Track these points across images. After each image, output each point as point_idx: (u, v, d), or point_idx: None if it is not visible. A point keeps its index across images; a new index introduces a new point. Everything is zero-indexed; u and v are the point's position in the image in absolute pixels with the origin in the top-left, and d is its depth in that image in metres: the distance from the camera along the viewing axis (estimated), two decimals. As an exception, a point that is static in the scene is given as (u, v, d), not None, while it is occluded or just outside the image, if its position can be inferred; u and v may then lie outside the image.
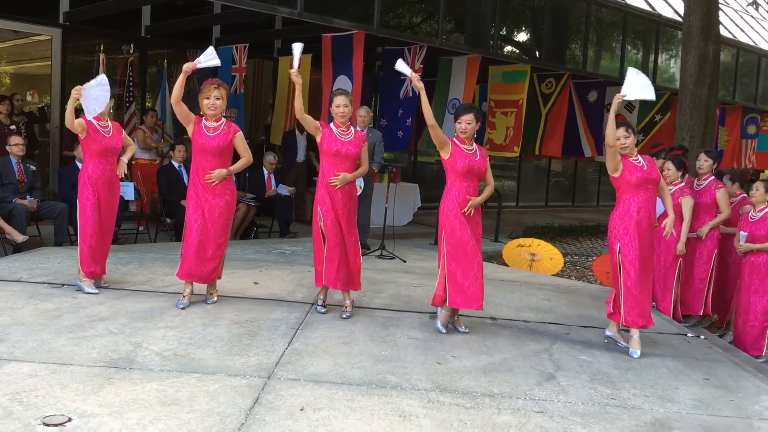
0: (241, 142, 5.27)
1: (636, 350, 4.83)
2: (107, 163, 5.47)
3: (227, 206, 5.24)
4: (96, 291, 5.40)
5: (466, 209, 4.87)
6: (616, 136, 4.86)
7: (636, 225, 4.85)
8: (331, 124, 5.24)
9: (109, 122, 5.52)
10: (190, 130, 5.17)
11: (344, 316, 5.21)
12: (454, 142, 4.96)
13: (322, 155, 5.23)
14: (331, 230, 5.15)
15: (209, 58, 5.18)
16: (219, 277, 5.39)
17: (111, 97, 5.53)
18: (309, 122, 5.13)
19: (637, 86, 4.91)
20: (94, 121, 5.40)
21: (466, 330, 5.06)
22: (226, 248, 5.33)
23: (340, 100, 5.19)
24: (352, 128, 5.29)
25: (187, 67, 5.05)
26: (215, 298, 5.36)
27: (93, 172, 5.42)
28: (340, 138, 5.18)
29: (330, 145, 5.15)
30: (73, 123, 5.28)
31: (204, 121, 5.17)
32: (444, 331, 5.00)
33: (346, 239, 5.19)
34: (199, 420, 3.25)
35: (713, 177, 6.51)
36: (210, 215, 5.16)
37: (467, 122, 4.92)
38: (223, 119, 5.23)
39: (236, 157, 5.36)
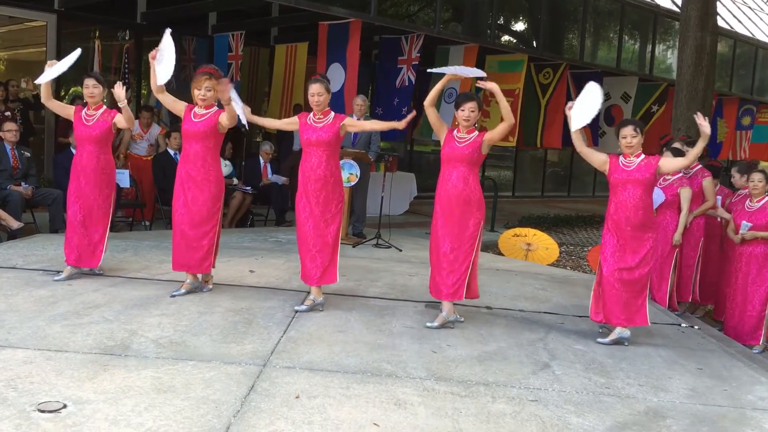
0: (224, 116, 5.02)
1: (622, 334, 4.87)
2: (84, 151, 5.36)
3: (211, 196, 5.08)
4: (61, 277, 5.33)
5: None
6: (623, 135, 4.82)
7: (614, 224, 4.86)
8: (311, 113, 5.10)
9: (98, 111, 5.38)
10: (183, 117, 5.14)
11: (299, 308, 4.99)
12: (450, 130, 4.93)
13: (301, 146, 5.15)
14: (302, 220, 5.03)
15: (167, 44, 5.06)
16: (213, 266, 5.30)
17: (104, 87, 5.44)
18: (288, 124, 5.12)
19: (590, 103, 4.87)
20: (84, 111, 5.36)
21: (461, 319, 5.06)
22: (215, 237, 5.18)
23: (314, 88, 4.98)
24: (331, 114, 5.05)
25: (151, 54, 5.04)
26: (210, 286, 5.32)
27: (75, 159, 5.42)
28: (313, 125, 5.02)
29: (302, 134, 5.05)
30: (48, 99, 5.31)
31: (195, 108, 5.09)
32: (435, 325, 4.88)
33: (321, 230, 5.00)
34: (195, 407, 3.25)
35: (700, 165, 6.54)
36: (194, 203, 5.06)
37: (470, 110, 4.83)
38: (216, 107, 5.09)
39: (225, 144, 5.28)
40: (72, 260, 5.41)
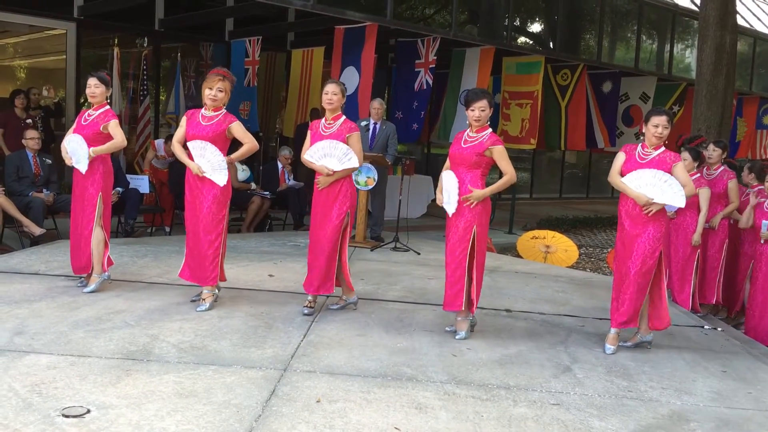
0: (239, 130, 4.98)
1: (608, 346, 4.70)
2: None
3: (216, 202, 4.93)
4: (79, 285, 5.32)
5: (465, 197, 4.59)
6: (654, 123, 4.57)
7: (620, 225, 4.75)
8: (322, 119, 5.07)
9: (97, 112, 5.24)
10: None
11: (305, 312, 4.98)
12: (463, 132, 4.79)
13: None
14: (311, 227, 5.03)
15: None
16: (221, 279, 5.12)
17: (108, 87, 5.31)
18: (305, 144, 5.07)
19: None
20: (87, 111, 5.30)
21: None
22: (221, 247, 5.01)
23: (329, 87, 4.96)
24: (341, 119, 5.00)
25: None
26: (207, 304, 4.97)
27: None
28: (321, 133, 4.97)
29: (312, 143, 4.99)
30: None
31: (202, 110, 4.97)
32: (465, 336, 4.74)
33: (322, 238, 4.95)
34: (216, 411, 3.27)
35: (724, 166, 6.49)
36: (200, 209, 4.95)
37: (480, 109, 4.62)
38: (224, 110, 4.99)
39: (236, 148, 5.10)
40: (77, 269, 5.36)
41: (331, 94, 4.95)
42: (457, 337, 4.71)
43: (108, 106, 5.34)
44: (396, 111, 11.15)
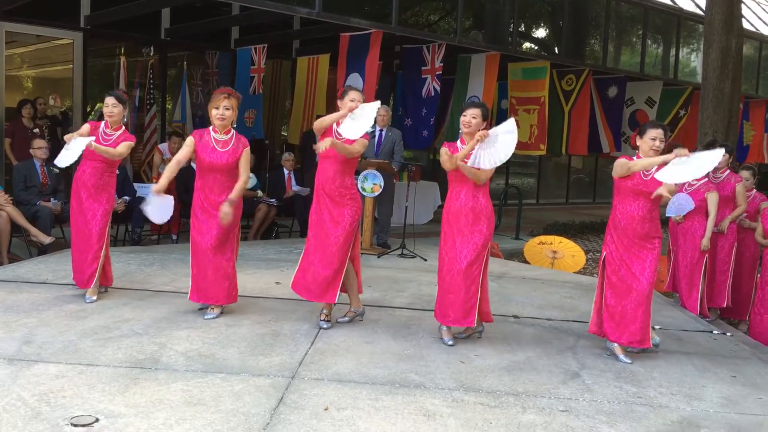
0: (244, 159, 4.91)
1: (622, 357, 4.60)
2: (89, 167, 5.24)
3: (235, 219, 4.89)
4: (90, 300, 5.19)
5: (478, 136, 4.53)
6: (652, 136, 4.49)
7: (627, 239, 4.60)
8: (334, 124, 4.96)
9: (117, 132, 5.27)
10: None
11: (324, 327, 4.89)
12: (455, 145, 4.75)
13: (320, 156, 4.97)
14: (313, 231, 4.93)
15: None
16: (233, 300, 5.04)
17: (125, 107, 5.32)
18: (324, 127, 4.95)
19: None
20: (102, 127, 5.26)
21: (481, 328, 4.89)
22: (235, 260, 5.01)
23: (354, 95, 4.86)
24: None
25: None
26: (215, 313, 4.97)
27: (77, 174, 5.31)
28: (336, 136, 4.85)
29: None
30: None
31: (212, 132, 4.88)
32: (451, 343, 4.70)
33: (330, 246, 4.83)
34: (225, 420, 3.27)
35: (730, 170, 6.48)
36: (218, 230, 4.87)
37: (472, 116, 4.63)
38: (233, 131, 4.92)
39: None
40: (80, 282, 5.29)
41: (357, 102, 4.84)
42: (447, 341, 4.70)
43: (124, 128, 5.36)
44: (405, 118, 11.15)
